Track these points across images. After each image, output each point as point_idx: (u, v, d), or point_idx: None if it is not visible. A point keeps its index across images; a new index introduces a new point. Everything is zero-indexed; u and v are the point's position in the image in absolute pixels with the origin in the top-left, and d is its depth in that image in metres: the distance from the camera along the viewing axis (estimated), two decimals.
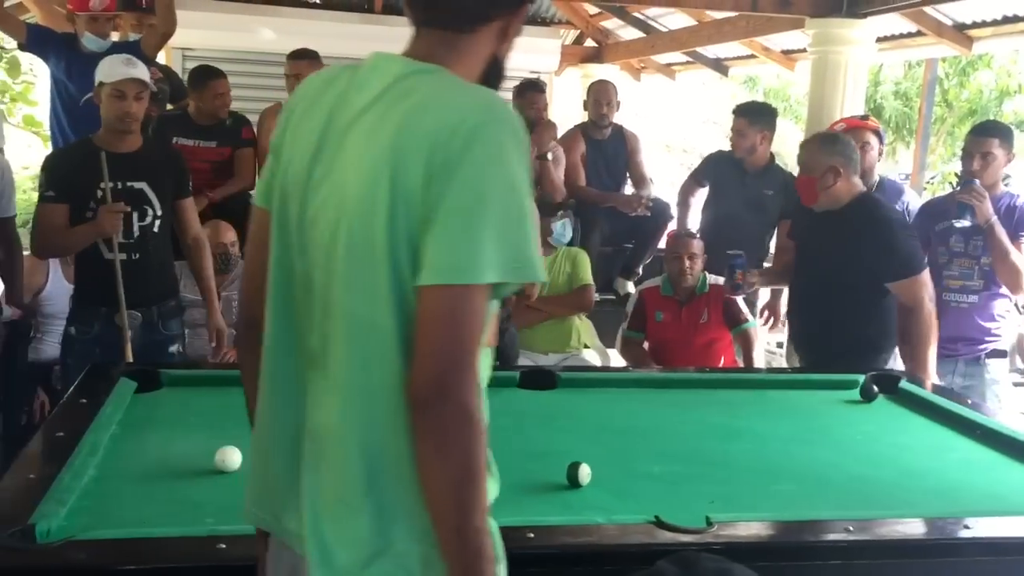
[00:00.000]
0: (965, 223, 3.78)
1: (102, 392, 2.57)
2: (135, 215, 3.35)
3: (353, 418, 1.26)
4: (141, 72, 3.33)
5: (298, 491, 1.32)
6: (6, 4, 4.57)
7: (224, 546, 1.70)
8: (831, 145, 3.58)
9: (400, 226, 1.21)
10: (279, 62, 6.67)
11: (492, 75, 1.37)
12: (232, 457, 2.17)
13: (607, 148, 5.54)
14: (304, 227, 1.32)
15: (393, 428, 1.23)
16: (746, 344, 4.21)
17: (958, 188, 3.82)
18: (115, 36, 4.96)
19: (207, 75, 4.74)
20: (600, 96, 5.48)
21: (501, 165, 1.21)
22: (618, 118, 5.60)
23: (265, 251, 1.39)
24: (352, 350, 1.26)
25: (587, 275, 4.59)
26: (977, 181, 3.77)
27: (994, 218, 3.74)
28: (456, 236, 1.18)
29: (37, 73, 8.52)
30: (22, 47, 4.67)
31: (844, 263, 3.44)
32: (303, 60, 4.64)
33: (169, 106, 4.92)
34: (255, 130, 4.92)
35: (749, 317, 4.28)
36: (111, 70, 3.30)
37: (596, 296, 5.49)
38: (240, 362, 1.53)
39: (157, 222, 3.42)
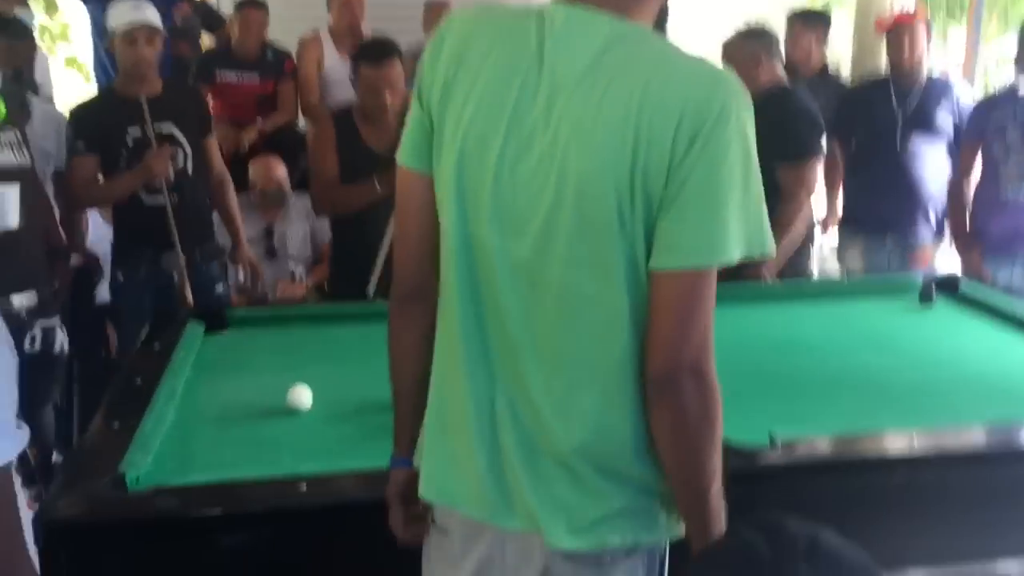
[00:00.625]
0: None
1: (173, 336, 2.65)
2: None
3: (578, 392, 1.26)
4: (150, 15, 3.30)
5: (505, 469, 1.31)
6: None
7: (305, 488, 1.77)
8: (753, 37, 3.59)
9: (639, 207, 1.18)
10: None
11: (661, 20, 1.34)
12: (303, 396, 2.23)
13: None
14: (500, 197, 1.24)
15: (620, 403, 1.26)
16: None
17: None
18: None
19: (242, 5, 4.73)
20: None
21: (742, 142, 1.19)
22: None
23: (424, 216, 1.33)
24: (576, 326, 1.25)
25: None
26: None
27: None
28: (704, 217, 1.17)
29: (76, 10, 8.50)
30: None
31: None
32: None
33: (206, 38, 4.92)
34: (296, 61, 4.90)
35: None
36: (120, 16, 3.28)
37: None
38: (396, 336, 1.47)
39: (190, 163, 3.44)
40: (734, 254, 1.19)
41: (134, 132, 3.32)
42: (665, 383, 1.22)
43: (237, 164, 4.27)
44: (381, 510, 1.52)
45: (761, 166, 1.22)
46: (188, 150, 3.43)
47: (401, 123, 3.57)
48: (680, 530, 1.33)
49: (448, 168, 1.27)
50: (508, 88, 1.23)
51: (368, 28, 4.69)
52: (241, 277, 3.74)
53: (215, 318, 2.86)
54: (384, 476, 1.54)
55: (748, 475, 1.80)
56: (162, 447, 1.98)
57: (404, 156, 1.36)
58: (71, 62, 8.73)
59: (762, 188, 1.23)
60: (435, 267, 1.35)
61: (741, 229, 1.19)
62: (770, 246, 1.24)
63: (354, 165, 3.31)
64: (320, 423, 2.17)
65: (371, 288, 3.35)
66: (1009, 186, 3.83)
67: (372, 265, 3.34)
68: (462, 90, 1.26)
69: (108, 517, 1.71)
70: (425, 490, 1.41)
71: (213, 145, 3.60)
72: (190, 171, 3.44)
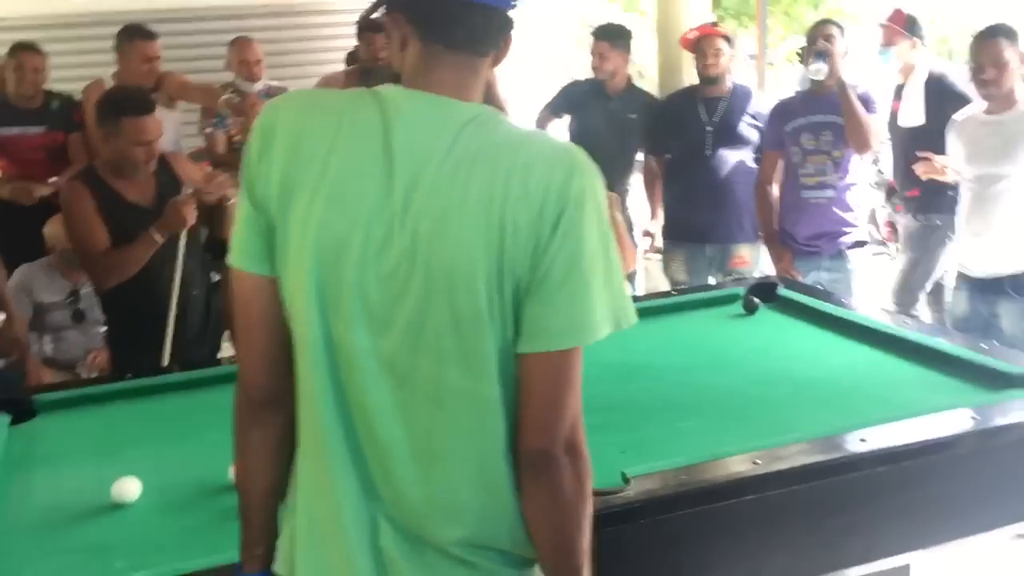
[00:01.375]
0: (821, 65, 3.88)
1: None
2: None
3: (456, 486, 1.26)
4: None
5: (389, 570, 1.28)
6: None
7: None
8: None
9: (507, 295, 1.21)
10: (98, 23, 6.26)
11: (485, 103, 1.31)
12: (129, 488, 2.06)
13: None
14: (364, 297, 1.22)
15: (499, 491, 1.27)
16: None
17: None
18: None
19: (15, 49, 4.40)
20: None
21: (600, 223, 1.23)
22: None
23: (270, 320, 1.29)
24: (449, 421, 1.25)
25: None
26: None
27: (843, 74, 3.86)
28: (571, 300, 1.20)
29: None
30: None
31: None
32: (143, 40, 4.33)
33: None
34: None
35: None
36: None
37: None
38: (245, 444, 1.39)
39: None
40: (602, 331, 1.24)
41: None
42: (540, 462, 1.24)
43: (32, 227, 3.97)
44: None
45: None
46: None
47: (156, 175, 3.39)
48: None
49: (300, 273, 1.23)
50: (359, 183, 1.21)
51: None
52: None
53: (20, 406, 2.61)
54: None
55: (607, 516, 1.79)
56: None
57: (239, 259, 1.29)
58: None
59: (618, 263, 1.27)
60: (286, 370, 1.31)
61: (607, 306, 1.24)
62: (633, 316, 1.28)
63: (122, 224, 3.18)
64: (153, 515, 2.01)
65: (165, 356, 3.19)
66: (808, 188, 4.06)
67: (163, 332, 3.18)
68: (307, 188, 1.21)
69: None
70: None
71: None
72: None
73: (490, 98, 4.39)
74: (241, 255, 1.29)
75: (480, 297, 1.19)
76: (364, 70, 5.14)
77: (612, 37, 4.71)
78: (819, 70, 3.90)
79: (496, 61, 1.32)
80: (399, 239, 1.20)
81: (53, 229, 3.88)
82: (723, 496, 1.95)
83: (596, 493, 1.84)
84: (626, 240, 3.90)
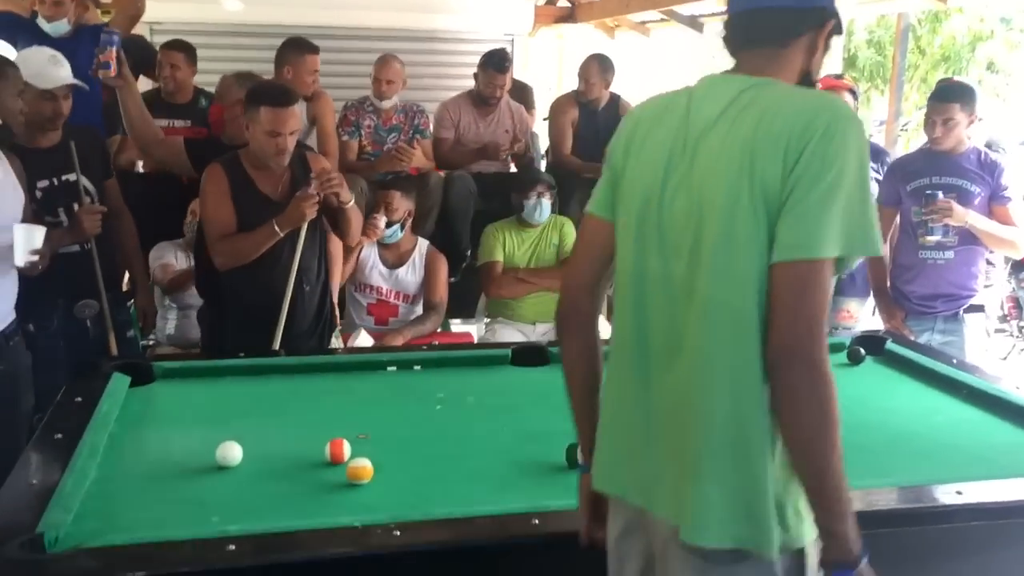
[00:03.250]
0: (937, 238, 3.82)
1: (96, 389, 2.57)
2: (75, 206, 3.30)
3: (719, 393, 1.43)
4: (68, 73, 3.25)
5: (659, 464, 1.51)
6: None
7: (233, 547, 1.71)
8: (244, 79, 3.78)
9: (760, 218, 1.39)
10: (253, 33, 6.62)
11: (804, 83, 1.55)
12: (232, 452, 2.18)
13: (600, 117, 5.46)
14: (663, 229, 1.51)
15: (757, 399, 1.41)
16: None
17: (924, 203, 3.81)
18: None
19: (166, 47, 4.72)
20: (582, 72, 5.42)
21: (848, 155, 1.38)
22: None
23: (599, 252, 1.65)
24: (717, 332, 1.43)
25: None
26: (940, 194, 3.78)
27: (969, 215, 3.77)
28: (805, 218, 1.37)
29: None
30: None
31: None
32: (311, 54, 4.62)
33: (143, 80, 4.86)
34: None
35: None
36: (39, 71, 3.19)
37: None
38: (566, 349, 1.72)
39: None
40: (829, 250, 1.37)
41: (42, 184, 3.24)
42: (775, 362, 1.37)
43: (173, 210, 4.24)
44: (315, 569, 1.47)
45: None
46: (96, 196, 3.37)
47: (292, 169, 3.54)
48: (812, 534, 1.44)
49: (631, 215, 1.57)
50: (663, 142, 1.55)
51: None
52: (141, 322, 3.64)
53: (140, 371, 2.78)
54: (325, 535, 1.58)
55: None
56: (83, 506, 1.90)
57: (596, 207, 1.67)
58: None
59: (869, 197, 1.41)
60: (599, 295, 1.69)
61: (841, 230, 1.37)
62: (874, 247, 1.40)
63: (249, 212, 3.31)
64: (251, 480, 2.12)
65: (276, 342, 3.31)
66: (927, 248, 3.96)
67: (275, 319, 3.31)
68: (634, 155, 1.59)
69: None
70: (596, 482, 1.64)
71: (113, 185, 3.53)
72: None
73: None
74: (597, 205, 1.66)
75: (738, 221, 1.40)
76: (479, 98, 5.29)
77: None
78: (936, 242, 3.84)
79: (811, 45, 1.54)
80: (685, 181, 1.49)
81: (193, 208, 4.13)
82: None
83: None
84: None
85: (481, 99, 5.28)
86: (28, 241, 2.81)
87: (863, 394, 2.84)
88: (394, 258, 4.37)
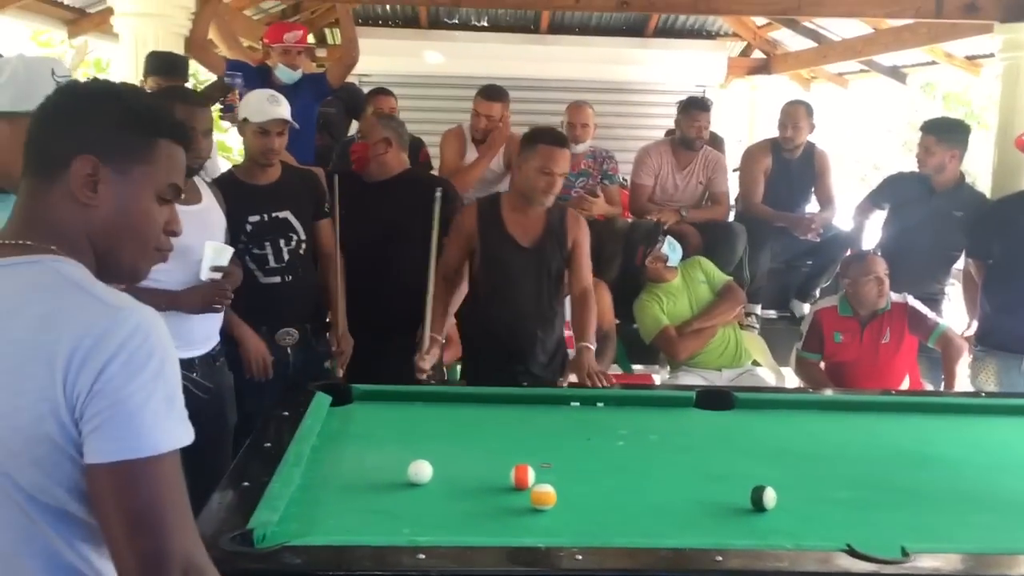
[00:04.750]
0: None
1: (301, 405, 2.74)
2: (281, 241, 3.51)
3: None
4: (284, 111, 3.47)
5: None
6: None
7: (423, 556, 1.79)
8: (387, 120, 3.96)
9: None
10: (451, 84, 6.95)
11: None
12: (424, 470, 2.27)
13: (794, 166, 5.40)
14: None
15: None
16: (948, 346, 4.02)
17: None
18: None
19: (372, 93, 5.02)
20: (786, 118, 5.35)
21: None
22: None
23: None
24: None
25: (720, 274, 4.61)
26: None
27: None
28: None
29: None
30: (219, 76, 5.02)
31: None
32: (497, 102, 4.84)
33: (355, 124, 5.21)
34: (430, 152, 5.11)
35: (939, 320, 4.11)
36: (258, 108, 3.44)
37: (772, 313, 5.42)
38: None
39: (303, 245, 3.56)
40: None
41: (253, 218, 3.48)
42: None
43: None
44: None
45: None
46: (302, 234, 3.57)
47: (549, 219, 3.50)
48: None
49: None
50: None
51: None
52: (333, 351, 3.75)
53: (341, 392, 2.95)
54: (511, 552, 1.54)
55: None
56: (288, 509, 2.03)
57: None
58: (221, 146, 9.30)
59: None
60: None
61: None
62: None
63: (495, 251, 3.46)
64: (440, 498, 2.20)
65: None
66: None
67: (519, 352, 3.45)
68: None
69: (235, 570, 1.76)
70: None
71: (326, 225, 3.70)
72: (302, 252, 3.58)
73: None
74: None
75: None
76: (680, 143, 5.31)
77: (939, 132, 4.52)
78: None
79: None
80: None
81: None
82: None
83: (871, 559, 1.82)
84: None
85: (685, 143, 5.28)
86: (215, 257, 3.00)
87: None
88: None
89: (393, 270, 3.76)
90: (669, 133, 6.09)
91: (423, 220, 3.69)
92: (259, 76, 4.76)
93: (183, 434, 1.19)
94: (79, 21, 5.99)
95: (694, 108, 5.28)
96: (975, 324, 4.37)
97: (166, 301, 2.87)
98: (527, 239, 3.49)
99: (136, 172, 1.30)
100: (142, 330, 1.17)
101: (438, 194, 3.68)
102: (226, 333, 3.32)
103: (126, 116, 1.30)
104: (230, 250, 3.09)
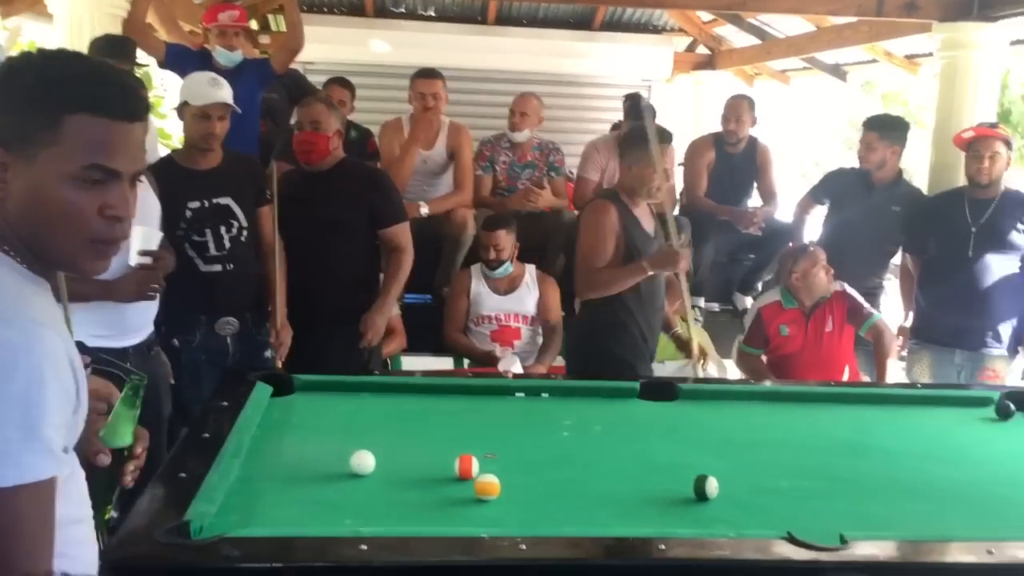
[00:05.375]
0: None
1: (240, 396, 2.68)
2: (222, 228, 3.45)
3: None
4: (226, 94, 3.41)
5: None
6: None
7: (365, 547, 1.76)
8: (335, 110, 3.82)
9: None
10: (397, 74, 6.89)
11: None
12: (366, 461, 2.24)
13: (736, 160, 5.46)
14: None
15: None
16: (879, 337, 4.08)
17: None
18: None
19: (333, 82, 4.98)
20: (729, 112, 5.41)
21: None
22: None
23: None
24: None
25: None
26: None
27: None
28: None
29: (167, 87, 8.93)
30: (161, 65, 4.90)
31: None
32: (438, 79, 4.80)
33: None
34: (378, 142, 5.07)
35: (874, 311, 4.18)
36: (198, 91, 3.37)
37: (715, 306, 5.47)
38: None
39: (244, 232, 3.51)
40: None
41: (193, 204, 3.41)
42: None
43: None
44: (442, 574, 1.49)
45: None
46: (243, 220, 3.51)
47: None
48: None
49: None
50: None
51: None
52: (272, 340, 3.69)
53: (282, 382, 2.90)
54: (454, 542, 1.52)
55: (816, 571, 1.76)
56: (226, 500, 1.99)
57: None
58: (160, 133, 9.10)
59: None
60: None
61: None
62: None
63: (639, 248, 3.54)
64: (382, 488, 2.17)
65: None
66: None
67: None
68: None
69: (171, 563, 1.72)
70: None
71: (266, 215, 3.64)
72: (243, 240, 3.52)
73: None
74: None
75: None
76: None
77: (881, 128, 4.60)
78: None
79: None
80: None
81: None
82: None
83: (810, 547, 1.84)
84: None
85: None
86: (144, 242, 2.92)
87: (1014, 448, 2.72)
88: (505, 286, 4.49)
89: (332, 261, 3.72)
90: (615, 127, 6.13)
91: (364, 211, 3.67)
92: (200, 60, 4.65)
93: (42, 466, 1.10)
94: (12, 1, 5.81)
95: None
96: (911, 317, 4.47)
97: (99, 291, 2.80)
98: (649, 227, 3.62)
99: (42, 156, 1.17)
100: (8, 348, 1.09)
101: (272, 167, 3.66)
102: (166, 326, 3.25)
103: (26, 95, 1.18)
104: (159, 234, 3.03)
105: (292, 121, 5.35)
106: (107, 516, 1.56)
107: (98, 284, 2.77)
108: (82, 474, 1.33)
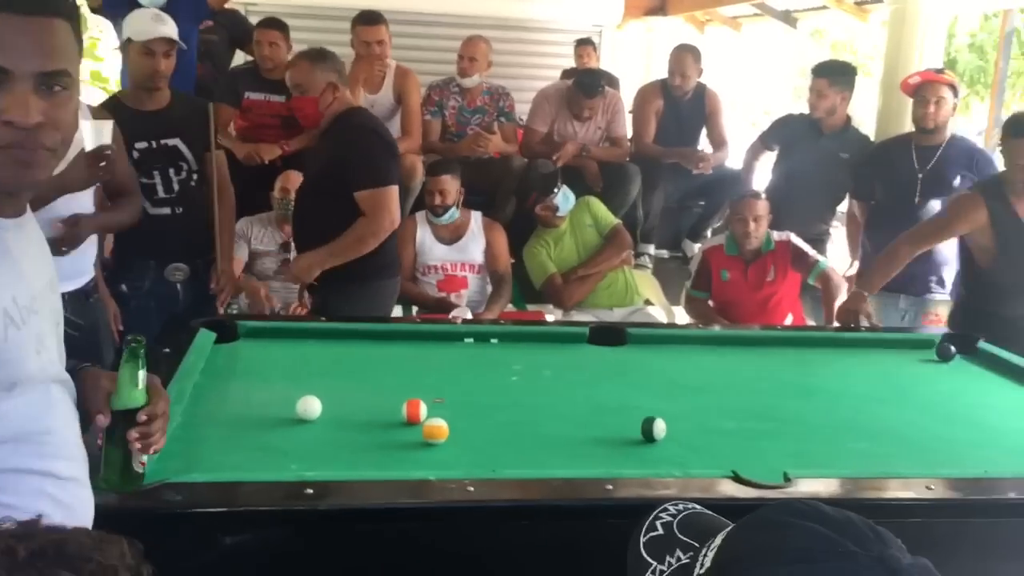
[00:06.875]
0: None
1: (183, 342, 2.63)
2: (171, 170, 3.37)
3: None
4: (170, 29, 3.29)
5: None
6: None
7: (311, 491, 1.74)
8: (323, 61, 3.43)
9: None
10: (340, 16, 6.72)
11: None
12: (312, 406, 2.21)
13: (684, 107, 5.42)
14: None
15: None
16: (827, 283, 4.10)
17: None
18: None
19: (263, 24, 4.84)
20: (674, 66, 5.34)
21: None
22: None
23: None
24: None
25: (609, 216, 4.62)
26: None
27: None
28: None
29: (103, 28, 8.64)
30: (95, 10, 4.71)
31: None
32: (381, 24, 4.67)
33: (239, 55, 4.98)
34: None
35: (820, 257, 4.21)
36: (140, 27, 3.26)
37: (664, 253, 5.49)
38: None
39: (194, 176, 3.43)
40: None
41: (140, 145, 3.32)
42: None
43: (261, 182, 4.32)
44: (389, 517, 1.48)
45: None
46: (192, 163, 3.43)
47: None
48: None
49: None
50: None
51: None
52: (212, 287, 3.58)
53: (225, 328, 2.85)
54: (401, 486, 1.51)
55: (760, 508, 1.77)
56: (168, 447, 1.92)
57: None
58: (96, 76, 8.83)
59: None
60: None
61: None
62: None
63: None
64: (329, 433, 2.15)
65: None
66: None
67: None
68: None
69: (110, 509, 1.68)
70: None
71: (219, 157, 3.54)
72: (192, 183, 3.44)
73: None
74: None
75: None
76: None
77: (831, 74, 4.61)
78: None
79: None
80: None
81: (276, 182, 4.21)
82: (886, 514, 1.87)
83: (756, 486, 1.86)
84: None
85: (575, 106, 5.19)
86: (96, 137, 2.78)
87: (952, 389, 2.77)
88: (450, 234, 4.40)
89: (317, 221, 3.51)
90: (566, 73, 6.06)
91: (339, 172, 3.39)
92: (130, 2, 4.47)
93: None
94: None
95: (581, 92, 5.11)
96: (857, 264, 4.53)
97: (53, 188, 2.66)
98: None
99: None
100: None
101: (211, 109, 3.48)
102: (115, 271, 3.17)
103: None
104: (110, 122, 2.87)
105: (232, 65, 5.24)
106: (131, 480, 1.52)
107: (49, 183, 2.66)
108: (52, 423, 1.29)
